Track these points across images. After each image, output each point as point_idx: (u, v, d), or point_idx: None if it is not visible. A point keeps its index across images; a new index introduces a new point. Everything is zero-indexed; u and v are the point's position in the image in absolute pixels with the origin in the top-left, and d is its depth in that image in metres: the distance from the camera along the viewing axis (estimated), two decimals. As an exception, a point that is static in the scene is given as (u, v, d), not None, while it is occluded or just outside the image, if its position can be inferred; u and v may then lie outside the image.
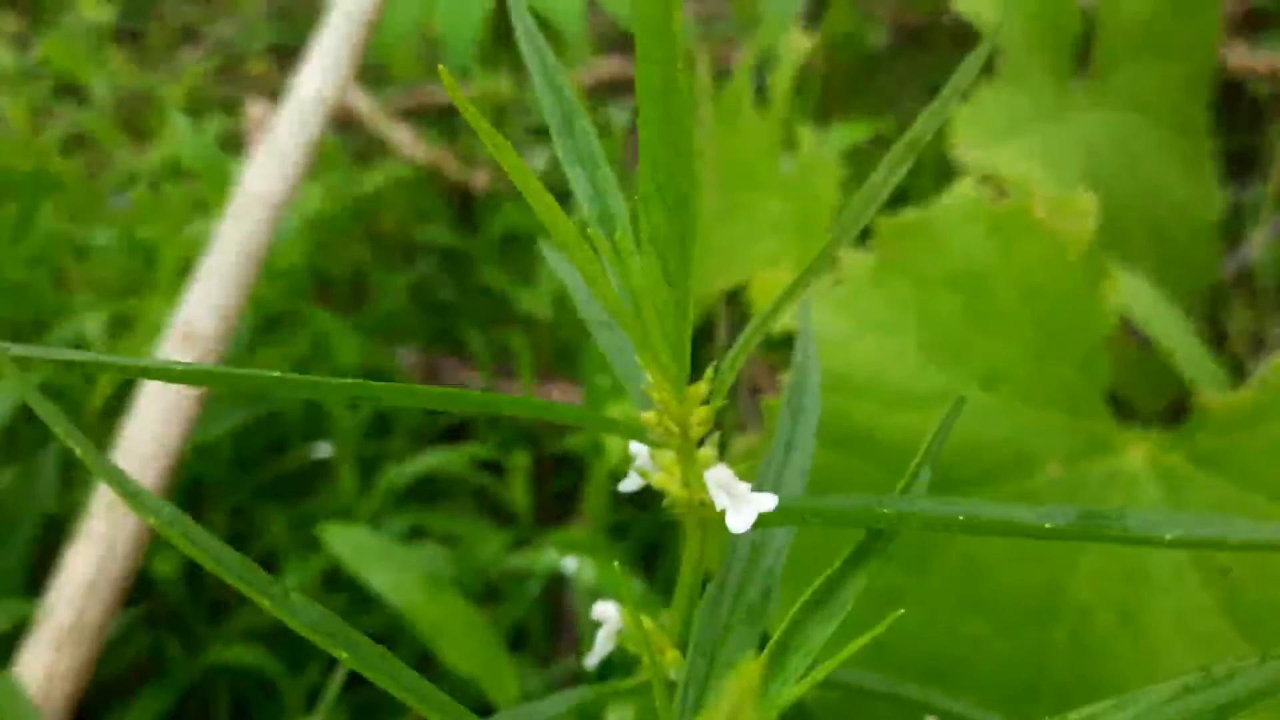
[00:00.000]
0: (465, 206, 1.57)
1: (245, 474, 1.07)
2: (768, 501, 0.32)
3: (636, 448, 0.37)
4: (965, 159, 0.96)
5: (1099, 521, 0.30)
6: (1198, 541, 0.29)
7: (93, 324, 0.90)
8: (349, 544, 0.70)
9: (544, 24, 1.10)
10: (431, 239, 1.43)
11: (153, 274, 1.07)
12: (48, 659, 0.66)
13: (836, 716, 0.68)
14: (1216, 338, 1.28)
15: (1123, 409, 1.01)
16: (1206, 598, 0.60)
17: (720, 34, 2.00)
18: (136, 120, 1.76)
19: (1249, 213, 1.45)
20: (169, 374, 0.31)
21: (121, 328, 0.94)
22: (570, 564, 0.85)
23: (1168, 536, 0.29)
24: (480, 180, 1.31)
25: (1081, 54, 1.11)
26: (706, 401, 0.34)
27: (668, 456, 0.36)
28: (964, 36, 1.60)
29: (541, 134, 1.72)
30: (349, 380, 0.33)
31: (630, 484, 0.37)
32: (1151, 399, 1.00)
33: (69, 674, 0.66)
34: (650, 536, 1.07)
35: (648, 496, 1.11)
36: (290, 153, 0.88)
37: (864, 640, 0.28)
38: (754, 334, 0.36)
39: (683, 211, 0.29)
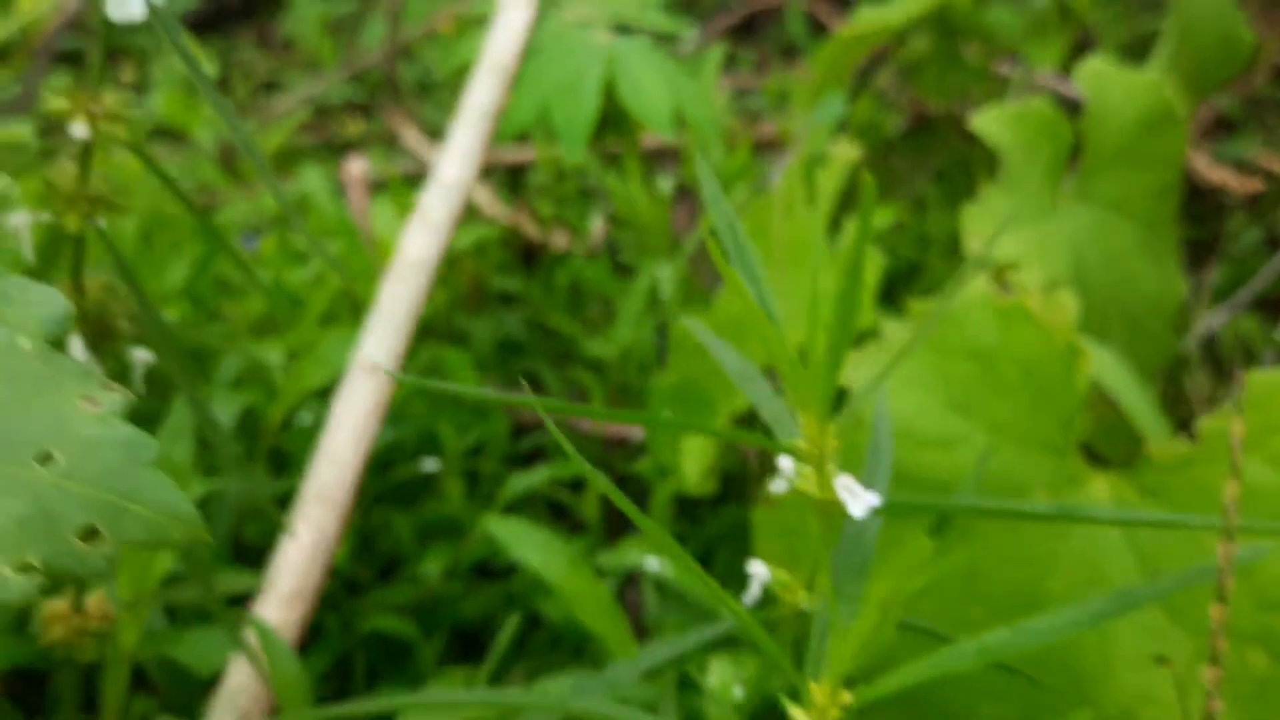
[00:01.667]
0: (529, 260, 1.79)
1: (368, 481, 1.29)
2: (876, 499, 0.55)
3: (785, 462, 0.59)
4: (973, 250, 1.20)
5: (1069, 511, 0.52)
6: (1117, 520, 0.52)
7: (273, 354, 1.12)
8: (507, 530, 0.92)
9: (629, 116, 1.33)
10: (505, 288, 1.65)
11: (297, 314, 1.29)
12: (277, 615, 0.88)
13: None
14: (1180, 400, 1.51)
15: (1096, 456, 1.24)
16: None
17: (750, 108, 2.24)
18: (233, 166, 1.98)
19: (1213, 295, 1.70)
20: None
21: (293, 360, 1.16)
22: (652, 563, 1.07)
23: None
24: (560, 240, 1.54)
25: (1072, 160, 1.35)
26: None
27: (807, 469, 0.58)
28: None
29: (591, 195, 1.95)
30: (556, 400, 0.55)
31: (778, 486, 0.60)
32: (1118, 450, 1.23)
33: (295, 626, 0.88)
34: (703, 546, 1.29)
35: (701, 512, 1.33)
36: (440, 226, 1.11)
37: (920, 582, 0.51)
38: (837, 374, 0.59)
39: (850, 308, 0.51)
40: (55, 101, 0.62)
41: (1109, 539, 0.86)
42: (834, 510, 0.57)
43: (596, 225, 1.77)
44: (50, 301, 0.35)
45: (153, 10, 0.55)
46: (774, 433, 0.61)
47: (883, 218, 1.36)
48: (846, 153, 1.13)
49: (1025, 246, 1.22)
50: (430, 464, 1.31)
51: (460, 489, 1.27)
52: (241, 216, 1.72)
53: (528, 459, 1.44)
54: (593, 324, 1.61)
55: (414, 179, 1.98)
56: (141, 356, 0.69)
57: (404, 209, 1.63)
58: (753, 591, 0.61)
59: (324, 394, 1.20)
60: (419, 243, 1.09)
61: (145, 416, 0.98)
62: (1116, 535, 0.86)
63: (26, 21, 2.25)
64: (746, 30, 2.54)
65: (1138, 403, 0.98)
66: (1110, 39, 1.96)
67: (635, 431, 1.49)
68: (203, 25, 2.55)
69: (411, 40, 2.26)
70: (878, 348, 0.93)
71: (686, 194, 1.96)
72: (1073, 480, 0.87)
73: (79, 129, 0.62)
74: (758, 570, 0.61)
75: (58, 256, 0.63)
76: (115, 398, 0.34)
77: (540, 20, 1.31)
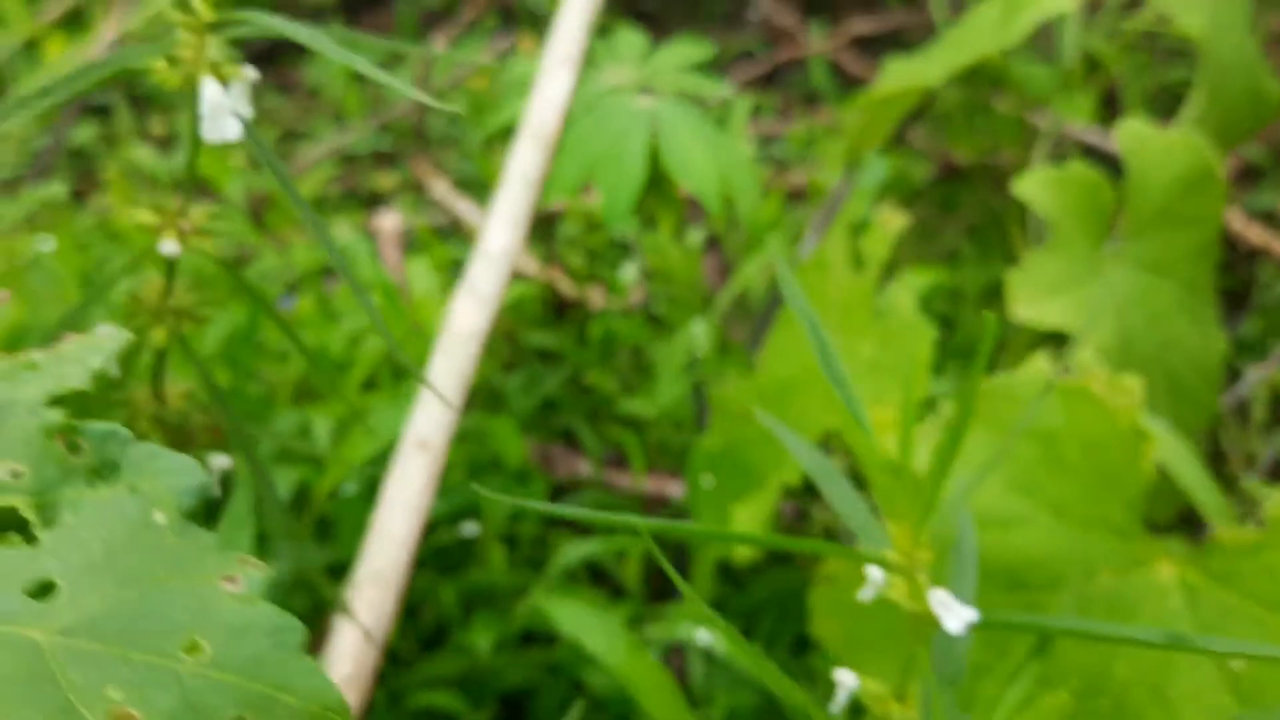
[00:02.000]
0: (562, 314, 1.79)
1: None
2: (973, 614, 0.54)
3: (874, 571, 0.59)
4: (1018, 315, 1.19)
5: (1181, 640, 0.51)
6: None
7: (320, 425, 1.12)
8: (560, 609, 0.91)
9: (669, 179, 1.33)
10: (540, 343, 1.65)
11: (340, 379, 1.28)
12: (335, 698, 0.87)
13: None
14: (1217, 456, 1.51)
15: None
16: (1216, 679, 0.82)
17: (776, 156, 2.24)
18: (262, 220, 1.99)
19: (1245, 345, 1.69)
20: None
21: (340, 429, 1.16)
22: (704, 636, 1.06)
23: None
24: (596, 299, 1.54)
25: (1113, 223, 1.35)
26: (927, 550, 0.56)
27: (897, 579, 0.58)
28: (1003, 177, 1.83)
29: (622, 247, 1.95)
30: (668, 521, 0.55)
31: (867, 593, 0.59)
32: (1164, 512, 1.22)
33: (354, 712, 0.87)
34: (744, 612, 1.28)
35: (744, 575, 1.32)
36: (487, 298, 1.11)
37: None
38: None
39: (945, 463, 0.51)
40: (143, 215, 0.62)
41: (1176, 621, 0.85)
42: (925, 621, 0.57)
43: (632, 278, 1.77)
44: (184, 471, 0.35)
45: (247, 128, 0.55)
46: (860, 540, 0.60)
47: (922, 278, 1.35)
48: (893, 221, 1.13)
49: (1070, 312, 1.21)
50: (470, 528, 1.30)
51: (502, 554, 1.26)
52: (273, 271, 1.72)
53: (567, 520, 1.44)
54: (628, 379, 1.60)
55: (444, 231, 1.99)
56: (220, 463, 0.68)
57: (438, 265, 1.63)
58: (839, 700, 0.61)
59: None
60: (467, 315, 1.09)
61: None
62: (1183, 616, 0.85)
63: (54, 71, 2.26)
64: (769, 79, 2.55)
65: (1195, 479, 0.97)
66: (1136, 89, 1.97)
67: (674, 489, 1.48)
68: (227, 73, 2.55)
69: (440, 89, 2.27)
70: (935, 425, 0.92)
71: (715, 245, 1.97)
72: (1139, 562, 0.86)
73: (169, 246, 0.61)
74: (845, 679, 0.61)
75: (135, 364, 0.63)
76: (256, 575, 0.33)
77: (579, 84, 1.32)
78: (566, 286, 1.60)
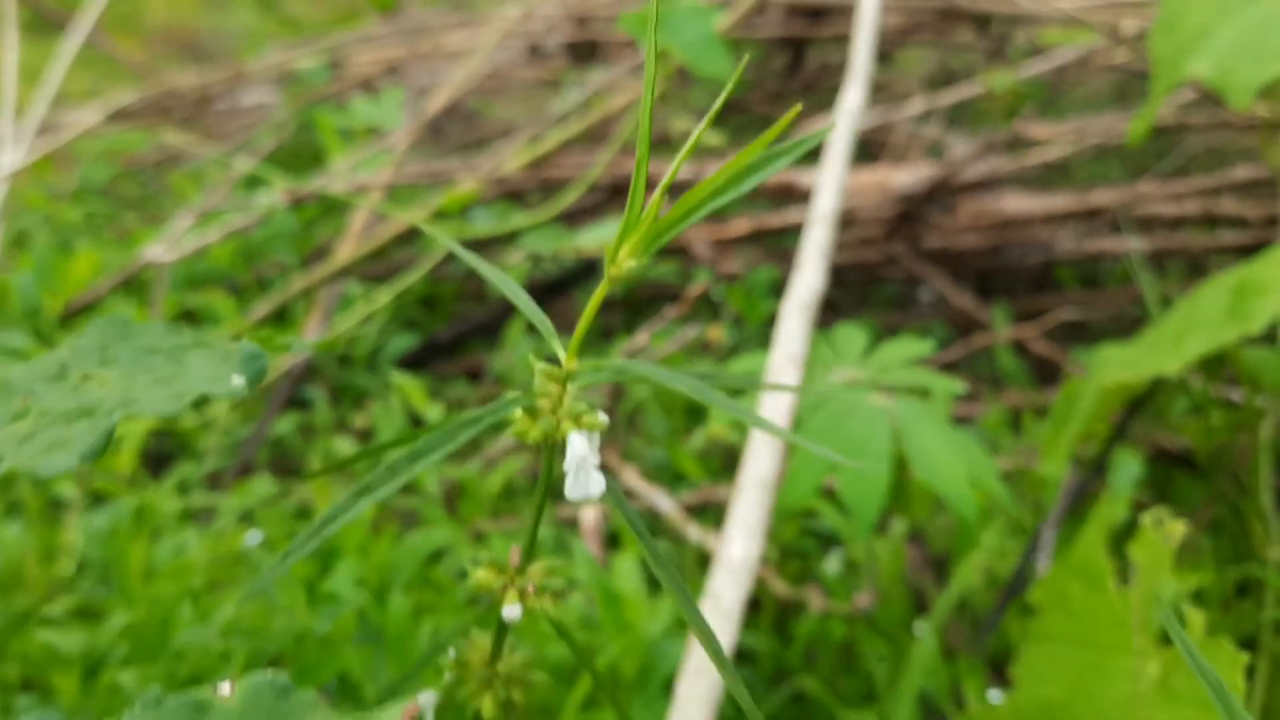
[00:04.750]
0: (755, 608, 1.70)
1: None
2: None
3: None
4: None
5: None
6: None
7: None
8: None
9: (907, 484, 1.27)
10: (745, 644, 1.56)
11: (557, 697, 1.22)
12: None
13: None
14: None
15: None
16: None
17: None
18: (455, 509, 1.99)
19: None
20: None
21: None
22: None
23: None
24: (816, 600, 1.46)
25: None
26: None
27: None
28: (1239, 469, 1.72)
29: (821, 536, 1.87)
30: None
31: None
32: None
33: None
34: None
35: None
36: (731, 613, 1.05)
37: None
38: None
39: None
40: (482, 575, 0.58)
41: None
42: None
43: (835, 570, 1.69)
44: None
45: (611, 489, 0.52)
46: None
47: (1185, 583, 1.24)
48: (1172, 529, 1.04)
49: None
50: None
51: None
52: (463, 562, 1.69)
53: None
54: (834, 681, 1.49)
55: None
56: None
57: (637, 558, 1.57)
58: None
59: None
60: (716, 630, 1.02)
61: None
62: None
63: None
64: (953, 362, 2.51)
65: None
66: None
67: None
68: (413, 363, 2.63)
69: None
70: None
71: (918, 539, 1.87)
72: None
73: (512, 611, 0.57)
74: None
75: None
76: None
77: (807, 381, 1.29)
78: (780, 587, 1.52)
